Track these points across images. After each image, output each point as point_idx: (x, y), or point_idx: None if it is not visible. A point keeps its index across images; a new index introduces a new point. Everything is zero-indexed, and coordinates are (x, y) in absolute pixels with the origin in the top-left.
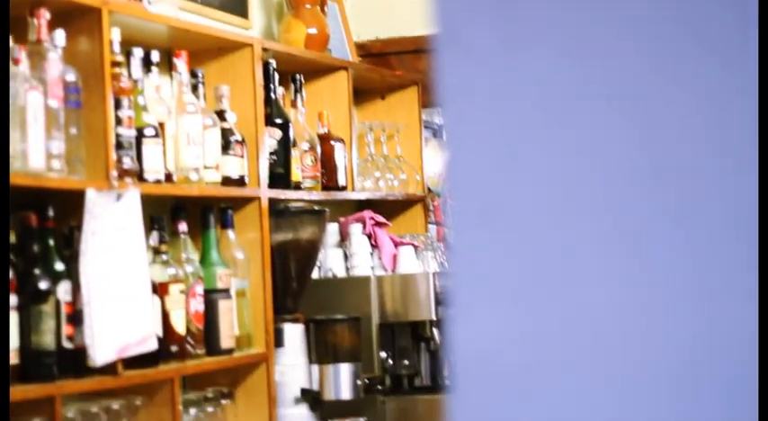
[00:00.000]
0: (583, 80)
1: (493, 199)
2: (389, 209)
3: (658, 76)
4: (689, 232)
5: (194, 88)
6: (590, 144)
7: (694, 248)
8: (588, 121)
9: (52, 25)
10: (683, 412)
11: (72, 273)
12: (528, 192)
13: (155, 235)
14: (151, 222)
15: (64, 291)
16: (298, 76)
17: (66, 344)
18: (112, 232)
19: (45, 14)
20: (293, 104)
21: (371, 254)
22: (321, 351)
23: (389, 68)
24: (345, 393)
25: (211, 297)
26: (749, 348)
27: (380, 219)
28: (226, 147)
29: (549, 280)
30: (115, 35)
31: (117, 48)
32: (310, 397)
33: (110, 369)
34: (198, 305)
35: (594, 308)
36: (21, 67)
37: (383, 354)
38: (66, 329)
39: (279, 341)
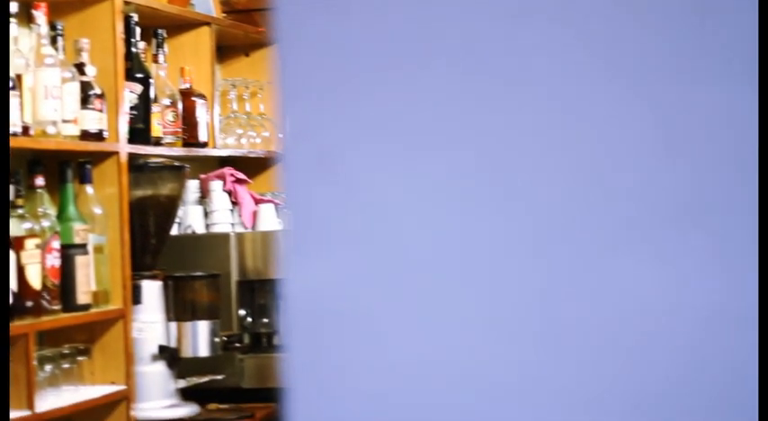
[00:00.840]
0: (420, 27)
1: (328, 145)
2: (251, 166)
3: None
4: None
5: (53, 41)
6: (426, 92)
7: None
8: (427, 72)
9: None
10: (511, 354)
11: None
12: (364, 140)
13: (11, 189)
14: None
15: None
16: (159, 30)
17: None
18: None
19: None
20: (155, 59)
21: (232, 211)
22: (179, 308)
23: (254, 25)
24: (203, 350)
25: (68, 252)
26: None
27: (241, 176)
28: (85, 100)
29: (384, 228)
30: None
31: None
32: (168, 354)
33: None
34: (54, 260)
35: (429, 255)
36: None
37: (242, 312)
38: None
39: (136, 298)
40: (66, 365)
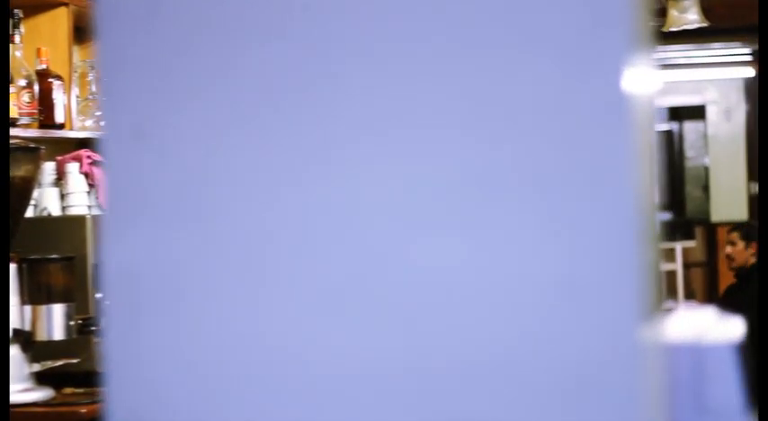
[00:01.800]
0: (232, 8)
1: (144, 120)
2: None
3: None
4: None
5: None
6: (244, 66)
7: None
8: (241, 46)
9: None
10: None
11: None
12: (182, 115)
13: None
14: None
15: None
16: (15, 10)
17: None
18: None
19: None
20: (11, 40)
21: (89, 193)
22: (34, 291)
23: None
24: (58, 334)
25: None
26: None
27: (98, 158)
28: None
29: (200, 201)
30: None
31: None
32: (22, 338)
33: None
34: None
35: (247, 228)
36: None
37: (99, 295)
38: None
39: None
40: None
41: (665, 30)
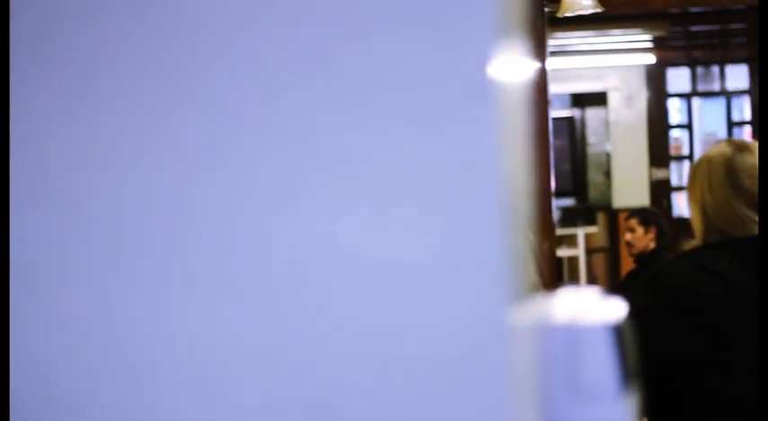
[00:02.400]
0: None
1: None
2: None
3: None
4: None
5: None
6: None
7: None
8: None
9: None
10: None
11: None
12: (42, 97)
13: None
14: None
15: None
16: None
17: None
18: None
19: None
20: None
21: None
22: None
23: None
24: None
25: None
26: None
27: None
28: None
29: (65, 184)
30: None
31: None
32: None
33: None
34: None
35: (110, 212)
36: None
37: None
38: None
39: None
40: None
41: (559, 15)
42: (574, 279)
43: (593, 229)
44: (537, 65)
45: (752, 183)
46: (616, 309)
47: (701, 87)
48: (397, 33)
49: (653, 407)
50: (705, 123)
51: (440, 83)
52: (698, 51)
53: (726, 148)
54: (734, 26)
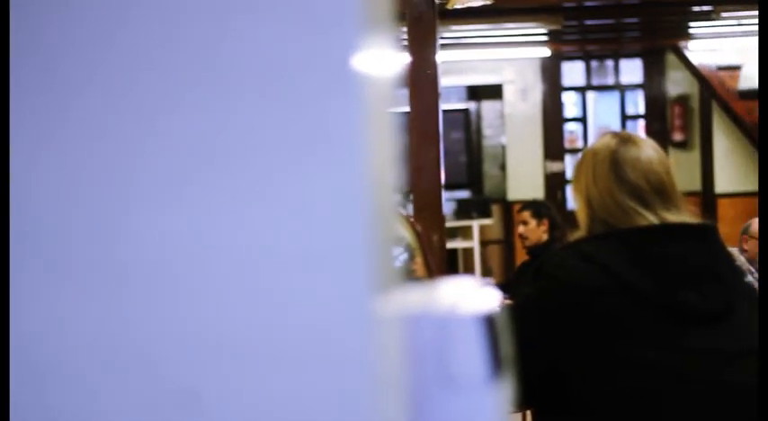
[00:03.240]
0: None
1: None
2: None
3: None
4: None
5: None
6: None
7: None
8: None
9: None
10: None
11: None
12: None
13: None
14: None
15: None
16: None
17: None
18: None
19: None
20: None
21: None
22: None
23: None
24: None
25: None
26: None
27: None
28: None
29: None
30: None
31: None
32: None
33: None
34: None
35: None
36: None
37: None
38: None
39: None
40: None
41: (449, 7)
42: (469, 270)
43: (488, 221)
44: (428, 57)
45: (636, 175)
46: (489, 299)
47: (595, 81)
48: (252, 16)
49: (534, 398)
50: (599, 116)
51: (303, 70)
52: (592, 45)
53: (611, 141)
54: (628, 20)
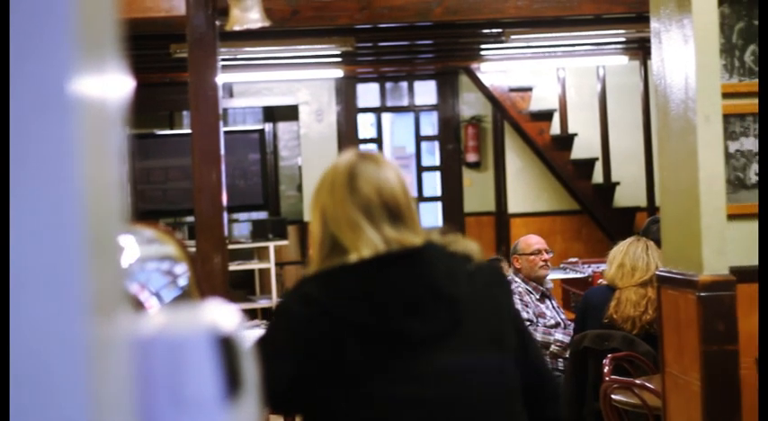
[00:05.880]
0: None
1: None
2: None
3: None
4: None
5: None
6: None
7: None
8: None
9: None
10: None
11: None
12: None
13: None
14: None
15: None
16: None
17: None
18: None
19: None
20: None
21: None
22: None
23: None
24: None
25: None
26: None
27: None
28: None
29: None
30: None
31: None
32: None
33: None
34: None
35: None
36: None
37: None
38: None
39: None
40: None
41: (228, 29)
42: (265, 291)
43: (284, 242)
44: (208, 79)
45: (369, 189)
46: (230, 319)
47: (390, 102)
48: None
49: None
50: (395, 137)
51: (17, 93)
52: (387, 67)
53: (352, 157)
54: (421, 42)
